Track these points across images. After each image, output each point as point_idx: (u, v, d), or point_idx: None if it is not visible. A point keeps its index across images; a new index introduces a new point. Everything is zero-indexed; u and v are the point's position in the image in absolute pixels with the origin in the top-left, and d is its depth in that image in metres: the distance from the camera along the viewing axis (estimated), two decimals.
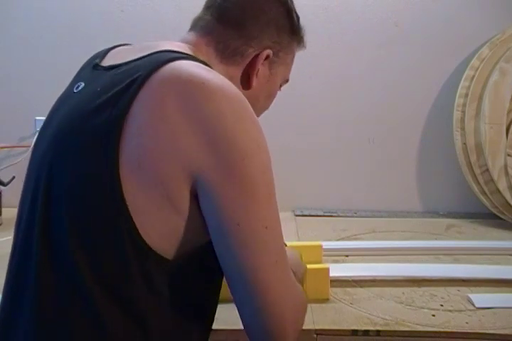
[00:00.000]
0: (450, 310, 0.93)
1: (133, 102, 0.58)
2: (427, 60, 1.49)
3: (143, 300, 0.60)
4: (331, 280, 0.98)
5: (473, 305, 0.95)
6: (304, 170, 1.55)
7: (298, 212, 1.53)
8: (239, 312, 0.62)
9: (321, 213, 1.53)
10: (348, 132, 1.54)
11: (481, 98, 1.42)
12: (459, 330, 0.87)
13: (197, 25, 0.76)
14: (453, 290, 1.01)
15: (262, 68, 0.76)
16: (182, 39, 0.75)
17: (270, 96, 0.82)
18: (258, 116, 0.80)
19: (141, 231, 0.58)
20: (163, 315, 0.63)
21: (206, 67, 0.62)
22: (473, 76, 1.43)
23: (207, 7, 0.77)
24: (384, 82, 1.51)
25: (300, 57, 1.47)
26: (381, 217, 1.52)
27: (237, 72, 0.75)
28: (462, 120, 1.44)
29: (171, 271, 0.62)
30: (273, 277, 0.60)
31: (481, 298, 0.97)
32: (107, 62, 0.70)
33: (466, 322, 0.89)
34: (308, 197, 1.56)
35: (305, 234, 1.34)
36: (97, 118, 0.59)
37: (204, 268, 0.65)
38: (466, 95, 1.43)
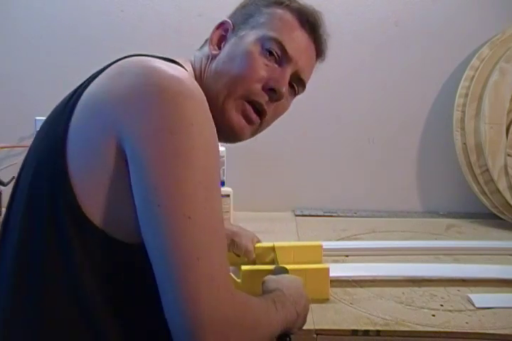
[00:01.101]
0: (450, 310, 0.93)
1: (86, 89, 0.63)
2: (427, 60, 1.49)
3: (83, 276, 0.60)
4: (330, 280, 0.98)
5: (473, 305, 0.95)
6: (304, 170, 1.55)
7: (298, 212, 1.53)
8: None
9: (321, 213, 1.53)
10: (348, 132, 1.54)
11: (481, 98, 1.42)
12: (459, 330, 0.87)
13: None
14: (453, 290, 1.01)
15: (226, 40, 0.78)
16: None
17: (243, 53, 0.74)
18: (236, 78, 0.73)
19: (81, 204, 0.59)
20: (108, 298, 0.61)
21: (159, 60, 0.64)
22: (473, 76, 1.43)
23: None
24: (384, 82, 1.51)
25: None
26: (381, 217, 1.52)
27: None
28: (462, 120, 1.44)
29: (119, 251, 0.61)
30: (191, 275, 0.54)
31: (481, 298, 0.97)
32: None
33: (466, 322, 0.89)
34: (308, 197, 1.56)
35: (305, 234, 1.34)
36: (60, 105, 0.66)
37: None
38: (466, 95, 1.43)
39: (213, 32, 0.79)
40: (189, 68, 0.76)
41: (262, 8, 0.78)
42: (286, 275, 0.86)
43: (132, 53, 0.69)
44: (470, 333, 0.86)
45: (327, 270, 0.95)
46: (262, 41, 0.75)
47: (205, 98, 0.62)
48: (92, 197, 0.59)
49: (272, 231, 1.34)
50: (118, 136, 0.58)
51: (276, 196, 1.56)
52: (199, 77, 0.77)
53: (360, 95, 1.52)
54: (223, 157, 1.37)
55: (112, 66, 0.65)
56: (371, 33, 1.48)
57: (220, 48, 0.78)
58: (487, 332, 0.86)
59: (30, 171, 0.65)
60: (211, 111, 0.62)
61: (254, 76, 0.74)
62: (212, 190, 0.58)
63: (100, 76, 0.64)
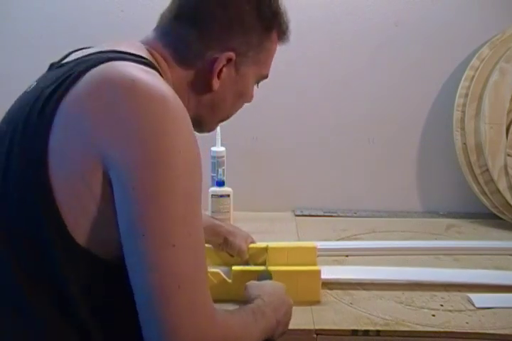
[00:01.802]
0: (450, 310, 0.93)
1: (63, 98, 0.60)
2: (427, 60, 1.49)
3: (70, 290, 0.60)
4: (330, 282, 0.98)
5: (473, 305, 0.95)
6: (304, 170, 1.55)
7: (298, 212, 1.53)
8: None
9: (321, 213, 1.53)
10: (348, 132, 1.54)
11: (481, 98, 1.41)
12: (458, 330, 0.87)
13: (159, 25, 0.76)
14: (453, 290, 1.01)
15: (225, 70, 0.73)
16: (143, 39, 0.75)
17: (242, 96, 0.79)
18: (231, 113, 0.81)
19: (67, 223, 0.58)
20: (94, 310, 0.62)
21: (142, 67, 0.62)
22: (473, 76, 1.43)
23: (170, 3, 0.75)
24: (384, 82, 1.51)
25: (300, 57, 1.47)
26: (381, 217, 1.52)
27: (195, 74, 0.73)
28: (462, 120, 1.44)
29: (102, 267, 0.61)
30: (172, 302, 0.55)
31: (481, 297, 0.97)
32: (64, 61, 0.71)
33: (466, 322, 0.89)
34: (308, 197, 1.56)
35: (305, 234, 1.34)
36: (32, 113, 0.61)
37: None
38: (466, 95, 1.43)
39: (217, 65, 0.72)
40: (153, 59, 0.71)
41: (260, 38, 0.75)
42: (269, 281, 0.87)
43: (110, 49, 0.67)
44: (470, 333, 0.87)
45: (318, 272, 0.95)
46: (257, 79, 0.80)
47: (188, 116, 0.61)
48: (78, 219, 0.59)
49: (272, 231, 1.34)
50: (104, 163, 0.57)
51: (276, 196, 1.56)
52: (163, 67, 0.72)
53: (360, 95, 1.51)
54: (223, 157, 1.37)
55: (92, 73, 0.61)
56: (371, 33, 1.48)
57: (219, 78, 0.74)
58: (487, 332, 0.86)
59: (10, 185, 0.61)
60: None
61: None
62: (196, 217, 0.59)
63: (79, 86, 0.60)
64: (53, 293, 0.60)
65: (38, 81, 0.69)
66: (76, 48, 0.76)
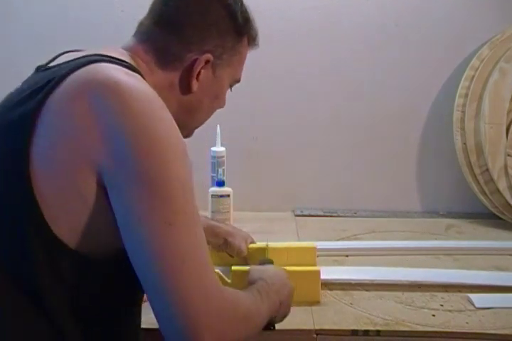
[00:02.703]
0: (450, 310, 0.93)
1: (47, 99, 0.61)
2: (427, 60, 1.49)
3: (51, 291, 0.61)
4: (330, 282, 0.98)
5: (473, 305, 0.95)
6: (304, 170, 1.55)
7: (298, 212, 1.53)
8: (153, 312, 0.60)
9: (321, 213, 1.53)
10: (348, 132, 1.54)
11: (481, 98, 1.42)
12: (458, 330, 0.87)
13: (138, 31, 0.79)
14: (453, 290, 1.01)
15: (203, 72, 0.76)
16: (123, 45, 0.77)
17: (218, 98, 0.82)
18: (206, 117, 0.84)
19: (48, 221, 0.60)
20: (75, 309, 0.63)
21: (125, 70, 0.64)
22: (473, 76, 1.43)
23: (149, 12, 0.80)
24: (384, 81, 1.51)
25: (300, 57, 1.47)
26: (381, 217, 1.52)
27: (177, 77, 0.76)
28: (462, 120, 1.44)
29: (88, 267, 0.63)
30: (179, 278, 0.57)
31: (481, 298, 0.97)
32: (51, 64, 0.72)
33: (466, 322, 0.89)
34: (308, 197, 1.56)
35: (305, 234, 1.34)
36: (13, 112, 0.63)
37: (128, 270, 0.61)
38: (466, 95, 1.43)
39: (196, 66, 0.75)
40: (134, 64, 0.73)
41: (234, 42, 0.78)
42: (270, 265, 0.89)
43: (94, 53, 0.68)
44: (470, 333, 0.87)
45: (318, 273, 0.95)
46: (231, 83, 0.83)
47: (170, 114, 0.64)
48: (63, 221, 0.61)
49: (272, 232, 1.34)
50: (97, 170, 0.59)
51: (276, 196, 1.56)
52: (144, 71, 0.73)
53: (360, 95, 1.51)
54: (223, 157, 1.37)
55: (76, 74, 0.62)
56: (371, 33, 1.48)
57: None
58: (487, 332, 0.86)
59: None
60: None
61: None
62: (189, 192, 0.61)
63: (62, 88, 0.61)
64: (26, 285, 0.61)
65: (23, 83, 0.70)
66: (63, 51, 0.76)
